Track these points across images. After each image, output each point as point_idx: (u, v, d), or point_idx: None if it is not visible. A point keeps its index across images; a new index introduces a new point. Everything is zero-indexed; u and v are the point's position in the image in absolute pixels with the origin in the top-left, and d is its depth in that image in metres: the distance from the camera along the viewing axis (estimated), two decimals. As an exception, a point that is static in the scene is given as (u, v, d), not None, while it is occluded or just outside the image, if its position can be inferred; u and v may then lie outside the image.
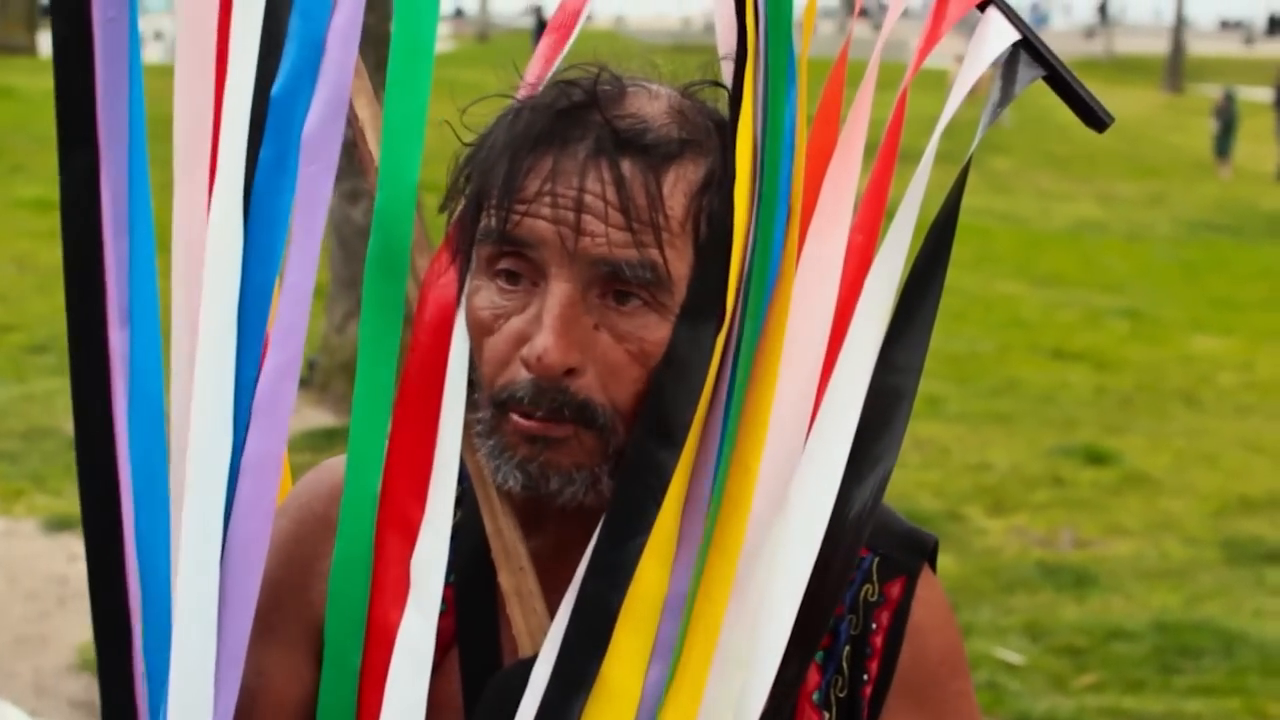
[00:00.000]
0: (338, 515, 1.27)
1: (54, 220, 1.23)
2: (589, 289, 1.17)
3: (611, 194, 1.16)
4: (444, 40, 37.52)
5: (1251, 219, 18.67)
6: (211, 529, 1.17)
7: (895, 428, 1.19)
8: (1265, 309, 12.77)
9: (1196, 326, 11.75)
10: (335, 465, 1.38)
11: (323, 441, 6.72)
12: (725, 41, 1.26)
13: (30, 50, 27.80)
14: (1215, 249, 16.21)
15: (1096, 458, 7.74)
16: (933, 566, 1.34)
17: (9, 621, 5.07)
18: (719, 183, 1.18)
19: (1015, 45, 1.23)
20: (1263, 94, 34.24)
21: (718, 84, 1.25)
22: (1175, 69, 36.03)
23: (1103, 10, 71.68)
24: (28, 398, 7.56)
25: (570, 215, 1.16)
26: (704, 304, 1.15)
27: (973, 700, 1.35)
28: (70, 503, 5.81)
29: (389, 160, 1.19)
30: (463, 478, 1.24)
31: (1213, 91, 26.61)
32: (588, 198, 1.16)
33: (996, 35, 1.23)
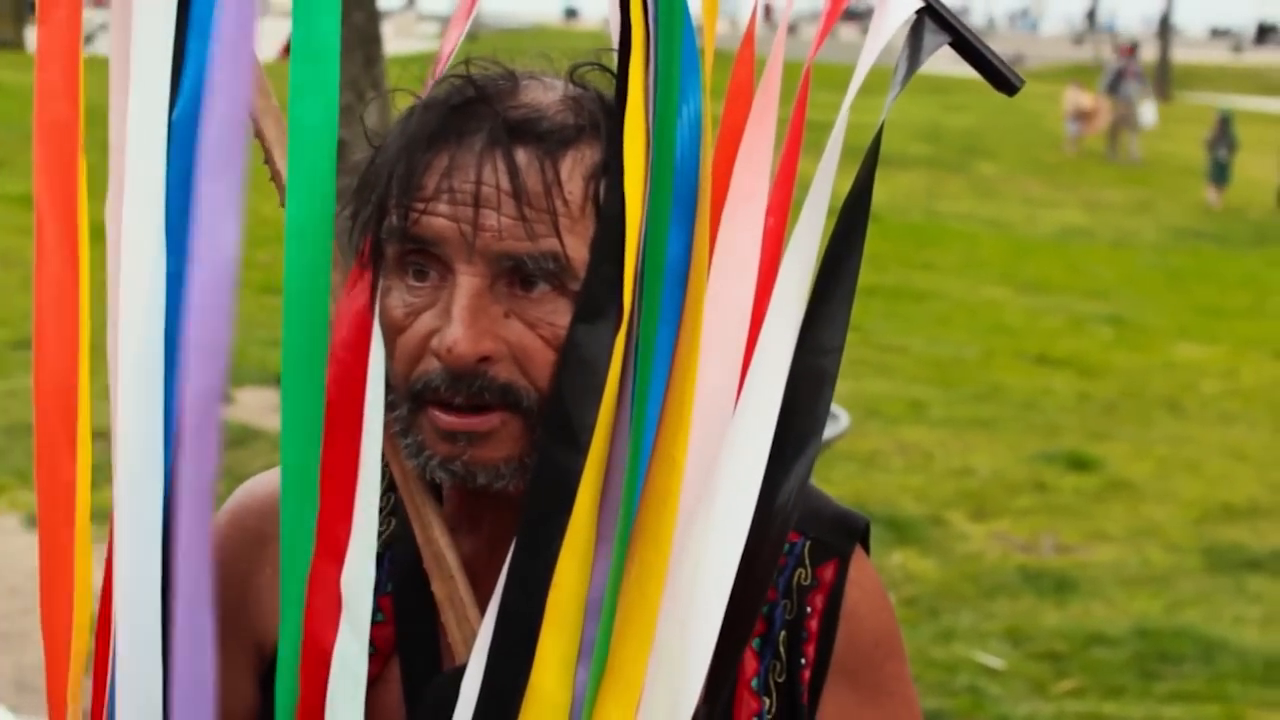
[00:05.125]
0: (270, 530, 1.26)
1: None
2: (496, 280, 1.18)
3: (506, 183, 1.16)
4: (431, 39, 37.47)
5: (1237, 227, 18.73)
6: (150, 567, 1.12)
7: (819, 410, 1.17)
8: (1250, 317, 12.82)
9: (1181, 334, 11.78)
10: (264, 480, 1.39)
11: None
12: (617, 38, 1.24)
13: (17, 45, 27.60)
14: (1201, 257, 16.26)
15: (1079, 464, 7.77)
16: (865, 548, 1.35)
17: (-10, 617, 5.07)
18: (607, 172, 1.17)
19: (919, 13, 1.21)
20: (1251, 102, 34.36)
21: (604, 68, 1.25)
22: (1163, 76, 36.07)
23: (1091, 16, 71.86)
24: (11, 394, 7.54)
25: (469, 211, 1.17)
26: (598, 302, 1.14)
27: (908, 681, 1.35)
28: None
29: (297, 173, 1.10)
30: (394, 486, 1.24)
31: (1200, 99, 26.64)
32: (485, 190, 1.17)
33: (900, 4, 1.20)
